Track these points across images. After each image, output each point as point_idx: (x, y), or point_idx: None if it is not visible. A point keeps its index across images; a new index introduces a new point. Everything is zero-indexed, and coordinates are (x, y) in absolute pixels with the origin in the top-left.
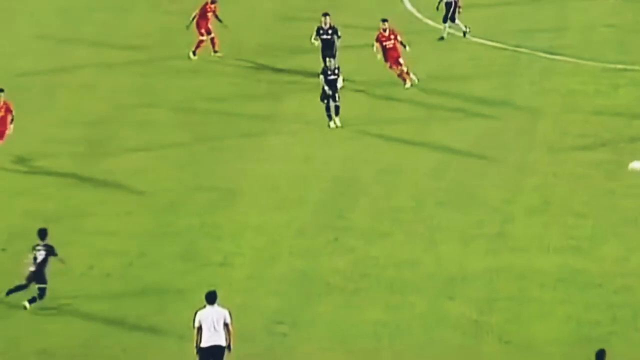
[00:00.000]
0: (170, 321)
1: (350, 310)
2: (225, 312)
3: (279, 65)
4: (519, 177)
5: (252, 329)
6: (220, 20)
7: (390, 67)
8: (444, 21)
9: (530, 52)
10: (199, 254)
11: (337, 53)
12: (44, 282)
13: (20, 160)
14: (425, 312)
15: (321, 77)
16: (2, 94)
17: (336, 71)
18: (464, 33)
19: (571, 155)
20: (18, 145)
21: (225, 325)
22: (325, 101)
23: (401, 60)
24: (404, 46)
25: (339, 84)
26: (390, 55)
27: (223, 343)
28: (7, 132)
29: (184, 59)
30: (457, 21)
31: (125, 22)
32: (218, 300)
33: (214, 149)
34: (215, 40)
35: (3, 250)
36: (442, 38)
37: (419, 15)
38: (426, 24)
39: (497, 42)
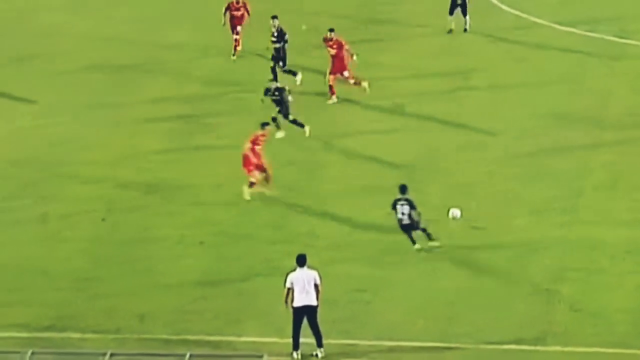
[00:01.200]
0: (260, 287)
1: (429, 279)
2: (315, 274)
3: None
4: (590, 154)
5: (336, 296)
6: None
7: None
8: (452, 14)
9: (600, 36)
10: (287, 225)
11: (287, 57)
12: (418, 227)
13: (119, 132)
14: (498, 282)
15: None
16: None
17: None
18: (465, 29)
19: (638, 133)
20: (117, 118)
21: (315, 285)
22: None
23: (346, 73)
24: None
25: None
26: (335, 65)
27: (314, 303)
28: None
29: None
30: (467, 16)
31: None
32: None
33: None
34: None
35: (103, 220)
36: (465, 30)
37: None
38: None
39: (568, 26)
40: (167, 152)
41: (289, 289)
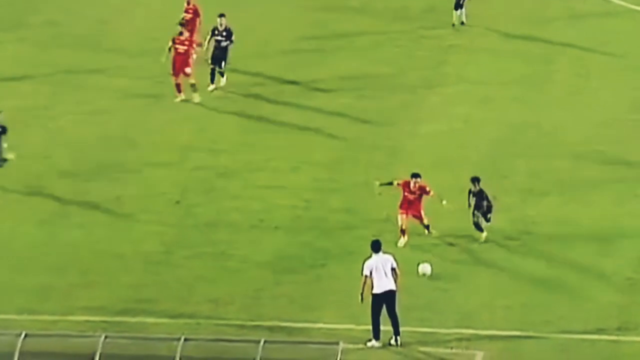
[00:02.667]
0: (335, 273)
1: (509, 266)
2: (391, 258)
3: (442, 26)
4: None
5: (412, 283)
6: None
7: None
8: (455, 8)
9: None
10: (362, 210)
11: (229, 58)
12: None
13: (194, 117)
14: (581, 269)
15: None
16: None
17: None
18: (462, 22)
19: None
20: (192, 104)
21: (393, 269)
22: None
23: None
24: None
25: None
26: (179, 61)
27: (394, 287)
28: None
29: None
30: (463, 10)
31: None
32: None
33: (377, 110)
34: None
35: (177, 202)
36: (462, 23)
37: None
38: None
39: None
40: (243, 134)
41: (366, 276)
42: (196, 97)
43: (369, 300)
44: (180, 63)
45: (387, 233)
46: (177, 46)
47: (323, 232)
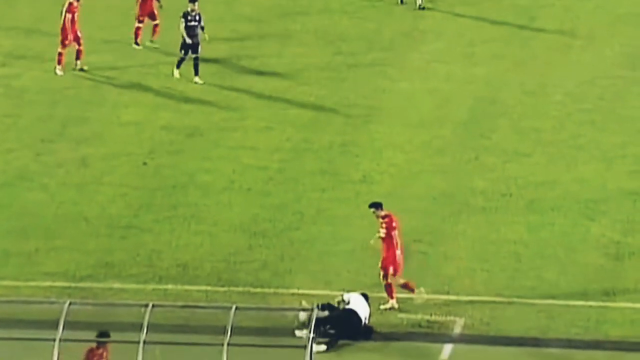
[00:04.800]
0: (310, 236)
1: (490, 229)
2: None
3: None
4: None
5: None
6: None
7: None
8: None
9: None
10: (338, 171)
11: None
12: None
13: (161, 75)
14: (566, 233)
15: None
16: None
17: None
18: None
19: None
20: (161, 61)
21: None
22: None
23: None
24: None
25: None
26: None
27: None
28: None
29: None
30: None
31: None
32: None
33: (353, 66)
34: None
35: (144, 164)
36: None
37: None
38: None
39: None
40: (211, 94)
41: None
42: (79, 64)
43: (343, 267)
44: (76, 31)
45: (363, 195)
46: (72, 14)
47: (297, 194)
